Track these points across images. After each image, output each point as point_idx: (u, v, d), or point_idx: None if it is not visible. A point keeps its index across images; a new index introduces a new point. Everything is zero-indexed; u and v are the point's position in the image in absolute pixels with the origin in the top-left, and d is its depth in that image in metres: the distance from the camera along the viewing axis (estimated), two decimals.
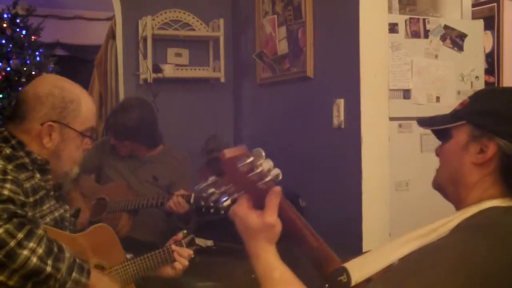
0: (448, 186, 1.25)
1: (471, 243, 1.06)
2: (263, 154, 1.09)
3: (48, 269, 1.56)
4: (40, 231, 1.58)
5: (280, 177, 1.10)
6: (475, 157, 1.18)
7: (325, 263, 1.16)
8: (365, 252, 1.23)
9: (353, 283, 1.10)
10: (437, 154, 1.29)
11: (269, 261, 1.11)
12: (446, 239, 1.09)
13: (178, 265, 2.02)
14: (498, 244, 1.07)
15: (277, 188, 1.11)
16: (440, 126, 1.28)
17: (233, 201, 1.12)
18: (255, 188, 1.09)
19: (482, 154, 1.18)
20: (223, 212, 2.59)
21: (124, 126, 2.91)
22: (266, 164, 1.08)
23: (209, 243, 2.48)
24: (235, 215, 1.13)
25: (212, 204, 2.58)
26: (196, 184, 3.17)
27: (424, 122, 1.34)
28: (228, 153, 1.06)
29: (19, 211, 1.57)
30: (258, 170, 1.07)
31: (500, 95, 1.26)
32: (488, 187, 1.18)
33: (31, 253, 1.54)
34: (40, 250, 1.55)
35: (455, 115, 1.25)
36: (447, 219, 1.14)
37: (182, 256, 2.02)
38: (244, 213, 1.12)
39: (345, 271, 1.12)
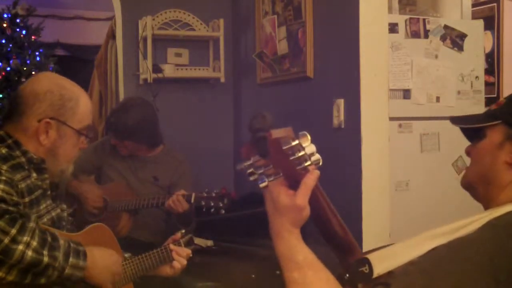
0: (479, 185, 1.23)
1: (499, 241, 1.05)
2: (309, 137, 1.07)
3: (45, 259, 1.58)
4: (31, 224, 1.59)
5: (321, 163, 1.09)
6: (509, 157, 1.17)
7: (348, 252, 1.16)
8: (389, 245, 1.21)
9: (375, 275, 1.09)
10: (468, 153, 1.28)
11: (292, 243, 1.09)
12: (474, 235, 1.08)
13: (176, 264, 2.02)
14: None
15: (316, 172, 1.10)
16: (475, 125, 1.26)
17: (270, 183, 1.10)
18: (294, 171, 1.07)
19: None
20: (223, 211, 2.59)
21: (125, 126, 2.91)
22: (309, 148, 1.07)
23: (209, 243, 2.48)
24: (267, 189, 1.10)
25: (212, 204, 2.58)
26: (196, 185, 3.19)
27: (457, 120, 1.32)
28: (275, 133, 1.05)
29: (10, 208, 1.58)
30: (301, 154, 1.05)
31: None
32: None
33: (26, 247, 1.55)
34: (34, 243, 1.57)
35: (490, 115, 1.23)
36: (475, 217, 1.13)
37: (181, 255, 2.02)
38: (277, 190, 1.08)
39: (367, 262, 1.11)
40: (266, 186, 1.08)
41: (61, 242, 1.64)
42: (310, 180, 1.08)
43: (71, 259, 1.63)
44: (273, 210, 1.10)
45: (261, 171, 1.08)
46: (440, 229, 1.13)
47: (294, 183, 1.09)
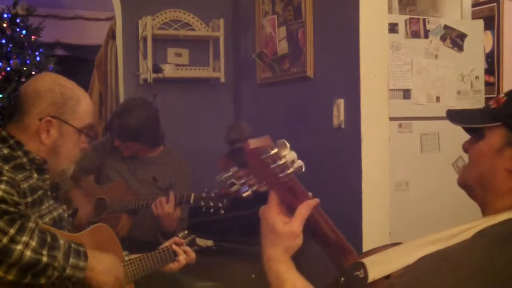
0: (476, 188, 1.19)
1: (489, 252, 1.02)
2: (288, 145, 1.07)
3: (44, 259, 1.58)
4: (31, 224, 1.60)
5: (303, 169, 1.08)
6: (510, 163, 1.12)
7: (342, 257, 1.15)
8: (385, 246, 1.21)
9: (370, 279, 1.08)
10: (465, 150, 1.23)
11: (280, 272, 1.10)
12: (466, 244, 1.05)
13: (181, 258, 2.04)
14: None
15: (312, 202, 1.11)
16: (472, 125, 1.21)
17: (254, 193, 1.10)
18: (277, 180, 1.07)
19: None
20: (222, 212, 2.59)
21: (129, 128, 2.90)
22: (289, 155, 1.07)
23: (209, 243, 2.48)
24: (263, 217, 1.12)
25: (211, 204, 2.58)
26: (195, 185, 3.18)
27: (454, 116, 1.26)
28: (253, 143, 1.04)
29: (10, 209, 1.58)
30: (281, 162, 1.05)
31: None
32: None
33: (25, 247, 1.55)
34: (33, 243, 1.57)
35: (490, 114, 1.17)
36: (471, 225, 1.10)
37: (189, 255, 2.06)
38: (271, 216, 1.10)
39: (362, 266, 1.10)
40: (250, 194, 1.08)
41: (61, 242, 1.64)
42: (305, 210, 1.10)
43: (71, 259, 1.63)
44: (268, 236, 1.11)
45: (242, 181, 1.08)
46: (435, 235, 1.11)
47: (281, 192, 1.09)
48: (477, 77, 3.11)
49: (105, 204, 2.87)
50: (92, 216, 2.78)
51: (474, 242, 1.05)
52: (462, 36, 3.08)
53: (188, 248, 2.07)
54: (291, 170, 1.06)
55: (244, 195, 1.09)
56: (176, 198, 2.69)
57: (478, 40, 3.17)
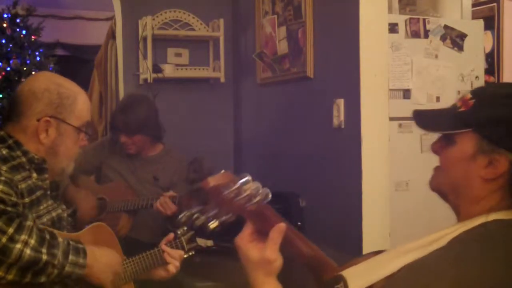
0: (449, 194, 1.16)
1: (465, 260, 0.99)
2: (249, 178, 1.07)
3: (44, 257, 1.58)
4: (29, 223, 1.60)
5: (270, 197, 1.09)
6: (483, 172, 1.08)
7: (321, 270, 1.15)
8: (366, 255, 1.19)
9: None
10: (434, 152, 1.19)
11: None
12: (442, 252, 1.03)
13: (171, 268, 1.98)
14: (496, 262, 0.99)
15: (281, 226, 1.10)
16: (442, 131, 1.16)
17: (221, 223, 1.11)
18: (245, 209, 1.08)
19: (491, 168, 1.08)
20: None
21: (135, 120, 2.91)
22: (253, 186, 1.07)
23: (209, 243, 2.47)
24: (237, 246, 1.14)
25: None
26: (196, 185, 3.17)
27: (421, 119, 1.21)
28: (212, 181, 1.05)
29: (8, 209, 1.58)
30: (246, 194, 1.06)
31: (510, 99, 1.12)
32: (495, 201, 1.09)
33: (24, 246, 1.56)
34: (32, 241, 1.57)
35: (460, 118, 1.12)
36: (448, 230, 1.08)
37: (173, 257, 1.99)
38: (244, 246, 1.12)
39: (342, 279, 1.09)
40: (217, 226, 1.09)
41: (60, 240, 1.64)
42: (277, 234, 1.09)
43: (70, 257, 1.64)
44: (246, 264, 1.13)
45: (210, 214, 1.09)
46: (413, 243, 1.09)
47: (255, 223, 1.10)
48: (477, 77, 3.11)
49: (105, 204, 2.87)
50: (95, 211, 2.78)
51: (450, 250, 1.03)
52: (462, 36, 3.08)
53: (172, 250, 2.01)
54: (258, 198, 1.07)
55: (212, 226, 1.09)
56: (176, 198, 2.69)
57: (478, 40, 3.17)
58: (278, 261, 1.11)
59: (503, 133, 1.07)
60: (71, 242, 1.67)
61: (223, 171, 1.09)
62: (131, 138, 2.95)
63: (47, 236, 1.62)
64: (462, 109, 1.13)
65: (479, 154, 1.09)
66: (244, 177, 1.07)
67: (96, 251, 1.75)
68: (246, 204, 1.07)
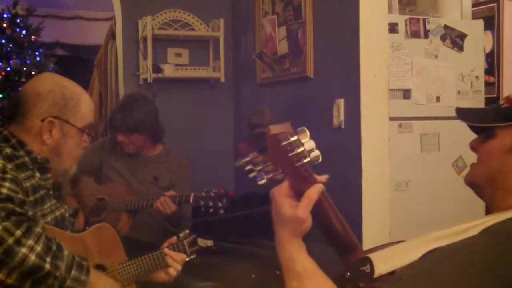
0: (485, 186, 1.18)
1: (499, 249, 1.01)
2: (308, 133, 1.07)
3: (47, 266, 1.56)
4: (38, 229, 1.58)
5: (320, 159, 1.08)
6: None
7: (350, 251, 1.15)
8: (389, 244, 1.20)
9: (376, 274, 1.08)
10: (473, 148, 1.22)
11: (291, 253, 1.09)
12: (474, 240, 1.05)
13: (172, 271, 1.98)
14: None
15: (319, 186, 1.09)
16: (485, 124, 1.19)
17: (269, 180, 1.09)
18: (294, 168, 1.07)
19: None
20: (222, 212, 2.59)
21: (132, 119, 2.91)
22: (308, 144, 1.07)
23: (209, 243, 2.48)
24: (272, 198, 1.11)
25: (211, 204, 2.58)
26: (196, 185, 3.18)
27: (464, 114, 1.25)
28: (274, 129, 1.05)
29: (17, 209, 1.57)
30: (300, 150, 1.05)
31: None
32: None
33: (30, 251, 1.54)
34: (38, 248, 1.55)
35: (502, 113, 1.17)
36: (478, 221, 1.10)
37: (175, 260, 1.98)
38: (280, 199, 1.09)
39: (369, 261, 1.10)
40: (265, 183, 1.08)
41: (66, 253, 1.63)
42: (313, 193, 1.08)
43: (73, 272, 1.62)
44: (276, 218, 1.11)
45: (259, 167, 1.08)
46: (441, 231, 1.11)
47: (296, 181, 1.08)
48: (477, 77, 3.11)
49: (105, 203, 2.87)
50: (92, 216, 2.78)
51: (482, 238, 1.04)
52: (462, 36, 3.08)
53: (175, 254, 2.01)
54: (307, 159, 1.06)
55: (260, 183, 1.08)
56: (176, 198, 2.70)
57: (478, 40, 3.17)
58: (307, 222, 1.09)
59: None
60: (76, 257, 1.66)
61: (285, 122, 1.08)
62: (129, 137, 2.95)
63: (54, 247, 1.60)
64: (505, 105, 1.18)
65: None
66: (303, 132, 1.07)
67: (99, 273, 1.75)
68: (296, 162, 1.06)
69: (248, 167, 1.09)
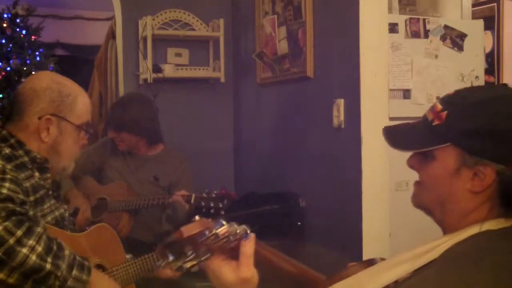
0: (435, 210, 1.11)
1: (464, 279, 0.95)
2: (225, 223, 1.01)
3: (48, 266, 1.56)
4: (39, 229, 1.59)
5: (249, 232, 1.03)
6: (470, 185, 1.05)
7: (308, 286, 1.11)
8: (357, 265, 1.16)
9: None
10: (411, 167, 1.15)
11: None
12: (435, 271, 0.98)
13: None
14: (494, 277, 0.95)
15: (251, 237, 1.02)
16: (418, 149, 1.12)
17: (198, 263, 1.04)
18: (225, 249, 1.02)
19: (478, 180, 1.04)
20: (223, 212, 2.59)
21: (122, 117, 2.94)
22: (231, 230, 1.01)
23: None
24: (208, 270, 1.04)
25: (212, 204, 2.58)
26: (195, 184, 3.17)
27: (394, 137, 1.17)
28: (186, 231, 0.99)
29: (18, 209, 1.57)
30: (224, 238, 1.00)
31: (486, 107, 1.06)
32: (484, 213, 1.05)
33: (30, 251, 1.54)
34: (39, 248, 1.56)
35: (436, 133, 1.09)
36: (437, 242, 1.05)
37: None
38: (217, 267, 1.02)
39: None
40: (194, 265, 1.02)
41: (67, 252, 1.63)
42: (248, 249, 1.01)
43: (74, 271, 1.62)
44: (220, 287, 1.04)
45: (187, 259, 1.02)
46: (402, 256, 1.06)
47: (232, 251, 1.03)
48: (477, 77, 3.11)
49: (105, 203, 2.87)
50: (92, 216, 2.78)
51: (442, 270, 0.99)
52: (462, 36, 3.08)
53: None
54: (237, 238, 1.01)
55: (187, 266, 1.03)
56: (184, 197, 2.69)
57: (478, 40, 3.16)
58: (254, 278, 1.02)
59: (484, 144, 1.03)
60: (77, 257, 1.66)
61: (197, 217, 1.02)
62: (119, 134, 2.97)
63: (55, 247, 1.60)
64: (436, 122, 1.10)
65: (462, 167, 1.05)
66: (218, 223, 1.01)
67: (100, 273, 1.76)
68: (227, 246, 1.01)
69: (171, 265, 1.03)
